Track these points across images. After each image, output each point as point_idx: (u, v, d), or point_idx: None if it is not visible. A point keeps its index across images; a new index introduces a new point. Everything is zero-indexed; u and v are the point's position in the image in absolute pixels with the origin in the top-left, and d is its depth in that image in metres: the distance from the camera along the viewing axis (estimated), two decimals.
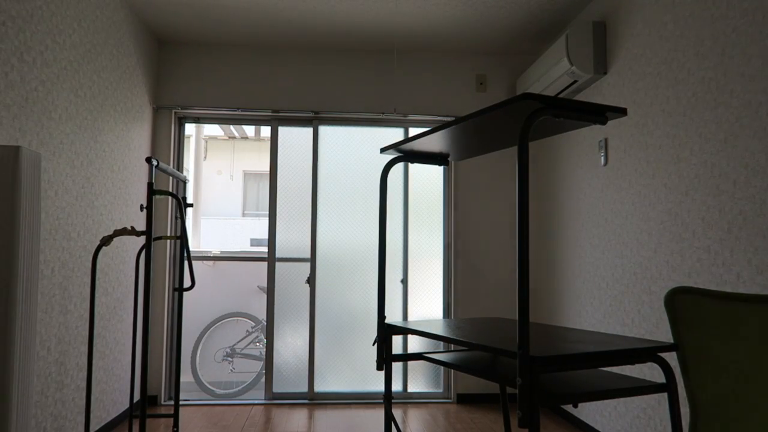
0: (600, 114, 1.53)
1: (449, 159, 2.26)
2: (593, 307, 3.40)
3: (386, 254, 4.38)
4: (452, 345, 3.98)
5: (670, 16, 2.67)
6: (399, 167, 4.39)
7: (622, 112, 1.53)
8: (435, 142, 1.95)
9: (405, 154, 2.13)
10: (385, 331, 1.97)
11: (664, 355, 2.65)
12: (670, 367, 1.51)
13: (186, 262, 4.49)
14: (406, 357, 2.03)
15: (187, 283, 4.49)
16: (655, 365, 2.74)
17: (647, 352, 1.47)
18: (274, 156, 4.34)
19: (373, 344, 2.24)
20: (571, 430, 3.57)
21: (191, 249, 6.15)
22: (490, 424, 3.69)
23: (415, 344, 4.34)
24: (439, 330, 1.81)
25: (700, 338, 1.42)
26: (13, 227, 1.84)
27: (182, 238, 3.15)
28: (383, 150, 2.09)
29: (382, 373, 4.29)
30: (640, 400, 2.89)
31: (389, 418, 1.97)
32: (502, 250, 4.34)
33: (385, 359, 1.97)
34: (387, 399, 1.99)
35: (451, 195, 4.37)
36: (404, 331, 1.87)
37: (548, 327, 1.96)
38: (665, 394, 2.68)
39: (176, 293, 4.24)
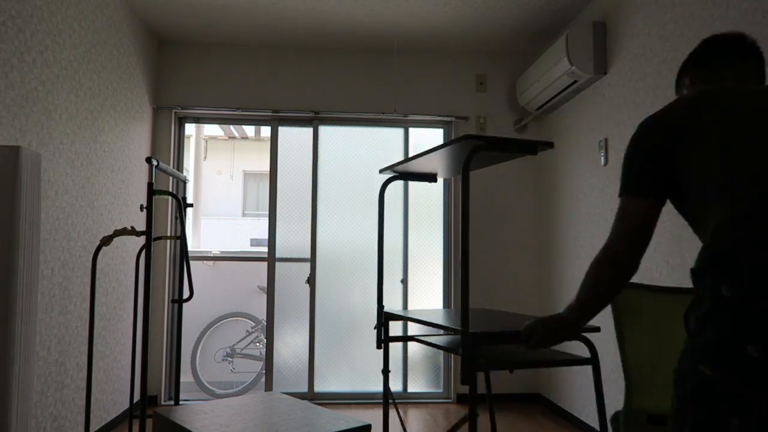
0: (532, 148, 1.95)
1: (437, 177, 2.71)
2: None
3: (384, 255, 4.39)
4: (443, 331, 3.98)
5: (670, 16, 2.67)
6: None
7: (549, 146, 1.93)
8: (423, 165, 2.35)
9: (400, 173, 2.61)
10: (383, 317, 2.52)
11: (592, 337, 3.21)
12: (593, 345, 1.94)
13: (185, 271, 4.50)
14: (400, 339, 2.59)
15: (186, 292, 4.49)
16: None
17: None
18: (274, 156, 4.34)
19: (374, 328, 2.70)
20: (571, 430, 3.57)
21: (191, 249, 6.15)
22: (490, 423, 3.69)
23: (415, 344, 4.34)
24: (429, 318, 2.18)
25: (634, 322, 1.71)
26: (13, 227, 1.84)
27: (182, 244, 3.15)
28: (382, 171, 2.56)
29: (382, 373, 4.30)
30: None
31: (387, 391, 2.46)
32: (502, 250, 4.34)
33: (383, 340, 2.51)
34: (385, 373, 2.54)
35: (451, 195, 4.37)
36: (397, 318, 2.41)
37: (503, 313, 2.42)
38: None
39: (177, 291, 4.24)
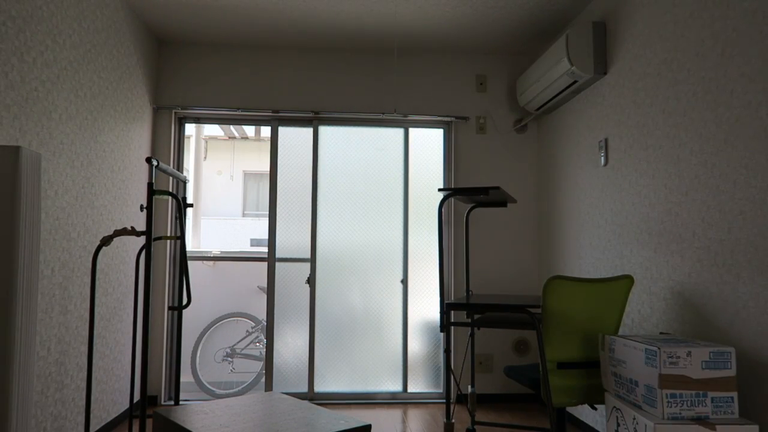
0: (486, 192, 2.76)
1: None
2: None
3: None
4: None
5: (670, 16, 2.67)
6: (398, 164, 4.39)
7: (496, 188, 2.73)
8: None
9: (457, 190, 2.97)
10: (445, 306, 2.81)
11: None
12: (533, 315, 2.45)
13: (184, 276, 4.49)
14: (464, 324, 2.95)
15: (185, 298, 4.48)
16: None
17: (519, 307, 2.52)
18: (274, 156, 4.34)
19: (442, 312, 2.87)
20: (572, 431, 3.57)
21: (191, 249, 6.14)
22: (490, 423, 3.69)
23: (415, 344, 4.34)
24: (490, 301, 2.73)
25: (557, 301, 2.41)
26: (13, 227, 1.84)
27: (182, 247, 3.15)
28: (441, 191, 2.97)
29: (382, 373, 4.30)
30: None
31: (449, 369, 2.74)
32: (501, 250, 4.34)
33: (445, 325, 2.76)
34: (447, 352, 2.78)
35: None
36: (456, 307, 2.68)
37: (487, 296, 3.18)
38: None
39: (177, 293, 4.24)
